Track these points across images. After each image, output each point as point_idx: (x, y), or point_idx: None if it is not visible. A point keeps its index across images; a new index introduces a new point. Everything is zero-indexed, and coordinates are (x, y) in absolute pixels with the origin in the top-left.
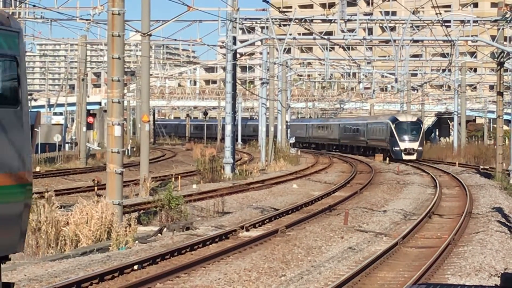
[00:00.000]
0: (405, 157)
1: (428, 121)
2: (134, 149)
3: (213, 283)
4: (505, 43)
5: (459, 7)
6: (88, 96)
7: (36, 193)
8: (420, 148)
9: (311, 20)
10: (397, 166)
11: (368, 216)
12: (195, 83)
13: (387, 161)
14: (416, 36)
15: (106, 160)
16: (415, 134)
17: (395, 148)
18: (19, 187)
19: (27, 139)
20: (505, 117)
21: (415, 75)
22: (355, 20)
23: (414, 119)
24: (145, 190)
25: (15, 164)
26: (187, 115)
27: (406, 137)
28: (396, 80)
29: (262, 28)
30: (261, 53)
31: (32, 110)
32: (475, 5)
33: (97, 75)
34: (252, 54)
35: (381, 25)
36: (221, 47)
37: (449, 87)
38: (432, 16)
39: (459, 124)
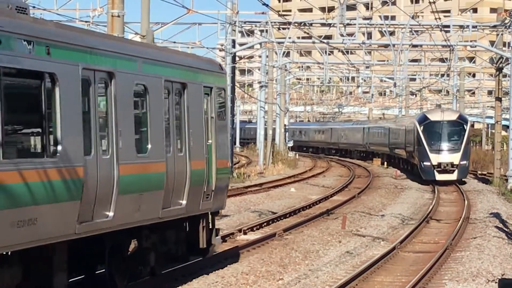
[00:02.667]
0: (439, 176)
1: None
2: None
3: (211, 286)
4: (504, 48)
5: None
6: None
7: None
8: (464, 162)
9: (311, 24)
10: (395, 171)
11: (365, 220)
12: None
13: (385, 165)
14: (415, 41)
15: None
16: (456, 140)
17: (424, 163)
18: (228, 168)
19: (228, 139)
20: (504, 122)
21: (414, 79)
22: (355, 24)
23: (454, 116)
24: None
25: (226, 154)
26: None
27: (440, 146)
28: (394, 85)
29: (262, 31)
30: (260, 56)
31: None
32: (474, 10)
33: None
34: (251, 57)
35: (380, 29)
36: (220, 50)
37: (447, 92)
38: (431, 21)
39: None
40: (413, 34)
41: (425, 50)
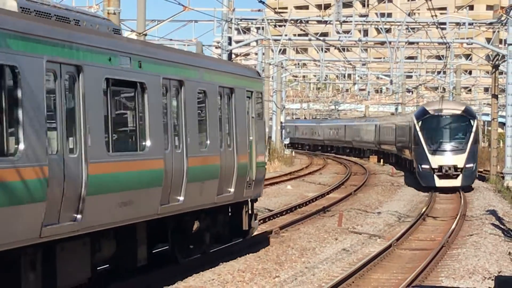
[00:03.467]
0: (440, 182)
1: None
2: None
3: (207, 283)
4: (500, 45)
5: (454, 10)
6: None
7: None
8: (471, 165)
9: (307, 21)
10: (391, 168)
11: (362, 217)
12: None
13: (381, 162)
14: (412, 38)
15: None
16: (461, 138)
17: (422, 166)
18: (264, 162)
19: (264, 136)
20: (500, 119)
21: (410, 77)
22: (351, 21)
23: (459, 110)
24: None
25: (263, 149)
26: None
27: (442, 145)
28: (391, 82)
29: (258, 28)
30: (256, 54)
31: None
32: (471, 7)
33: None
34: (248, 54)
35: (376, 26)
36: (216, 48)
37: (444, 89)
38: (428, 18)
39: None
40: (409, 31)
41: (421, 47)
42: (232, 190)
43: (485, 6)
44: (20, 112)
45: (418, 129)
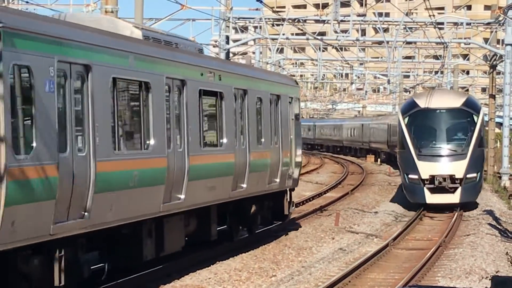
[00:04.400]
0: (432, 198)
1: None
2: None
3: (203, 282)
4: (497, 45)
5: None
6: None
7: None
8: (473, 174)
9: (304, 21)
10: (388, 167)
11: (359, 217)
12: None
13: (379, 162)
14: (409, 38)
15: None
16: (460, 139)
17: (410, 176)
18: (301, 156)
19: (300, 135)
20: (497, 120)
21: (408, 76)
22: (348, 21)
23: (457, 102)
24: None
25: (300, 145)
26: None
27: (434, 148)
28: (388, 82)
29: (255, 27)
30: (254, 53)
31: None
32: (469, 7)
33: None
34: (245, 53)
35: (374, 26)
36: (214, 46)
37: (440, 86)
38: (425, 18)
39: None
40: (407, 31)
41: (419, 47)
42: (278, 180)
43: (483, 6)
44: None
45: (403, 127)
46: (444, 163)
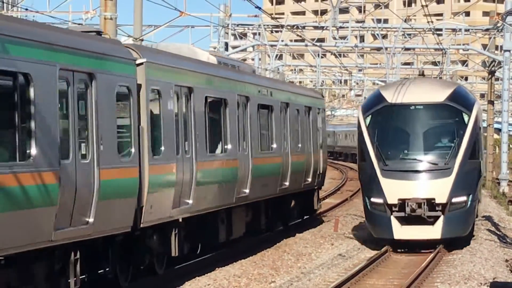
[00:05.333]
0: (401, 232)
1: None
2: None
3: None
4: (496, 52)
5: (451, 16)
6: None
7: None
8: (462, 197)
9: (303, 27)
10: None
11: (358, 223)
12: None
13: None
14: (408, 44)
15: None
16: (443, 147)
17: (372, 200)
18: (327, 159)
19: (326, 141)
20: (496, 125)
21: None
22: (347, 27)
23: (440, 96)
24: None
25: (326, 150)
26: None
27: (406, 160)
28: None
29: (254, 34)
30: (253, 59)
31: None
32: (467, 14)
33: None
34: (244, 60)
35: (373, 32)
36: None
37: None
38: (424, 24)
39: None
40: (405, 37)
41: (417, 53)
42: (310, 179)
43: (481, 13)
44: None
45: (364, 130)
46: (420, 181)
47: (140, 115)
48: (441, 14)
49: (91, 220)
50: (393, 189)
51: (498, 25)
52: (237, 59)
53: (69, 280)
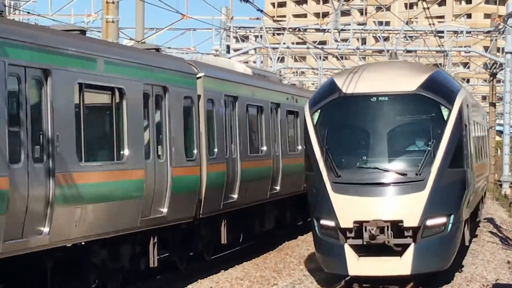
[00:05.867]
0: (358, 266)
1: None
2: None
3: None
4: (497, 54)
5: (452, 18)
6: None
7: None
8: (440, 219)
9: (305, 30)
10: None
11: None
12: None
13: None
14: (410, 46)
15: None
16: (414, 152)
17: (321, 221)
18: None
19: None
20: (497, 128)
21: None
22: (349, 30)
23: (412, 85)
24: None
25: None
26: None
27: (365, 169)
28: None
29: (256, 37)
30: (254, 62)
31: None
32: (468, 16)
33: None
34: (246, 62)
35: (374, 35)
36: (214, 56)
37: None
38: (426, 27)
39: None
40: (407, 39)
41: (419, 55)
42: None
43: (483, 15)
44: None
45: (311, 129)
46: (383, 198)
47: (200, 121)
48: (442, 16)
49: (165, 210)
50: (347, 209)
51: (500, 27)
52: (263, 69)
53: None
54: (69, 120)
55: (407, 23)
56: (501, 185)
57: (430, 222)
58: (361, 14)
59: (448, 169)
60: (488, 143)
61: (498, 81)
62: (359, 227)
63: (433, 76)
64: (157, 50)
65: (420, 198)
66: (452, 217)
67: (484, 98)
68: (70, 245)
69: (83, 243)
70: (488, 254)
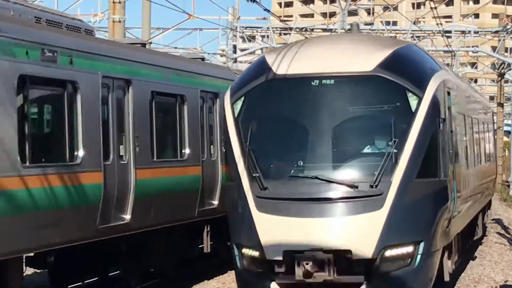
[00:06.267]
0: None
1: None
2: None
3: None
4: (505, 54)
5: (460, 18)
6: None
7: None
8: (406, 248)
9: (312, 29)
10: None
11: None
12: None
13: None
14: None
15: None
16: (369, 155)
17: (244, 252)
18: None
19: None
20: (505, 128)
21: None
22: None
23: (368, 63)
24: None
25: None
26: None
27: (298, 182)
28: None
29: (263, 36)
30: None
31: None
32: (476, 16)
33: None
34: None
35: (382, 35)
36: (221, 56)
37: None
38: (433, 27)
39: None
40: (414, 39)
41: None
42: None
43: (490, 15)
44: None
45: (230, 124)
46: (325, 220)
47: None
48: (450, 16)
49: (215, 202)
50: (276, 234)
51: (508, 27)
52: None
53: (201, 246)
54: (146, 123)
55: (414, 23)
56: (508, 186)
57: (390, 253)
58: (368, 14)
59: (416, 179)
60: (495, 143)
61: (506, 81)
62: (291, 259)
63: (399, 52)
64: (202, 59)
65: (376, 220)
66: (421, 245)
67: (492, 98)
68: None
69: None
70: (496, 255)
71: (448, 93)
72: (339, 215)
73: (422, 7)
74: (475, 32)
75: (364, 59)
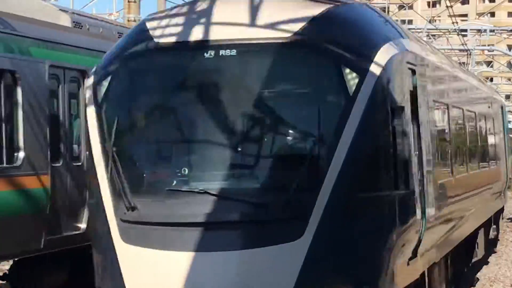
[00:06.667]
0: None
1: None
2: None
3: None
4: None
5: (475, 16)
6: None
7: None
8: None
9: None
10: None
11: None
12: None
13: None
14: (433, 45)
15: None
16: (286, 160)
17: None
18: None
19: None
20: None
21: None
22: None
23: (289, 27)
24: None
25: None
26: None
27: (185, 204)
28: None
29: None
30: None
31: None
32: (492, 14)
33: None
34: None
35: None
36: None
37: None
38: (449, 25)
39: None
40: (430, 38)
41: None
42: None
43: (506, 13)
44: None
45: (91, 114)
46: (215, 255)
47: None
48: (466, 15)
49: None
50: (146, 275)
51: None
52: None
53: None
54: None
55: (430, 22)
56: None
57: None
58: (384, 12)
59: (361, 193)
60: (505, 143)
61: None
62: None
63: (333, 11)
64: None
65: (292, 255)
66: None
67: (507, 97)
68: None
69: None
70: (511, 254)
71: (413, 72)
72: (237, 247)
73: (437, 5)
74: (491, 31)
75: (281, 22)
